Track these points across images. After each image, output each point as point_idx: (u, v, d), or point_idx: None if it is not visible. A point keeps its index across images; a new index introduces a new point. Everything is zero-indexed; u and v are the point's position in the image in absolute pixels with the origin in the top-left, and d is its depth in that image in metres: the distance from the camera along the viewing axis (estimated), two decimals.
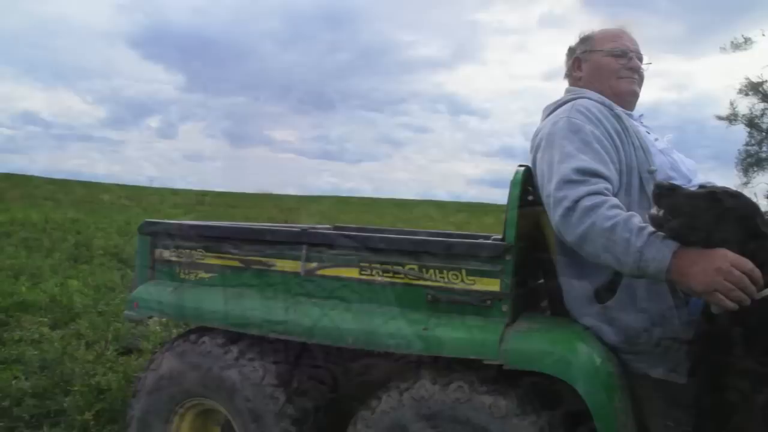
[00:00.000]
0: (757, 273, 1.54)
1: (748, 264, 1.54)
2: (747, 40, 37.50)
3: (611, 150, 1.91)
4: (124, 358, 3.75)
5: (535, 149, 2.02)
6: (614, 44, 2.19)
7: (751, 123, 37.83)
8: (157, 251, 2.38)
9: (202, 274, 2.29)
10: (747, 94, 37.79)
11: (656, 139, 2.09)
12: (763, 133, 37.96)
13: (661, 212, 1.63)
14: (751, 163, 38.09)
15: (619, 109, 2.06)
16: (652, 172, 1.92)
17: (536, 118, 2.27)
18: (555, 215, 1.81)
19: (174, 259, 2.35)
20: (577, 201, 1.75)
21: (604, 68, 2.18)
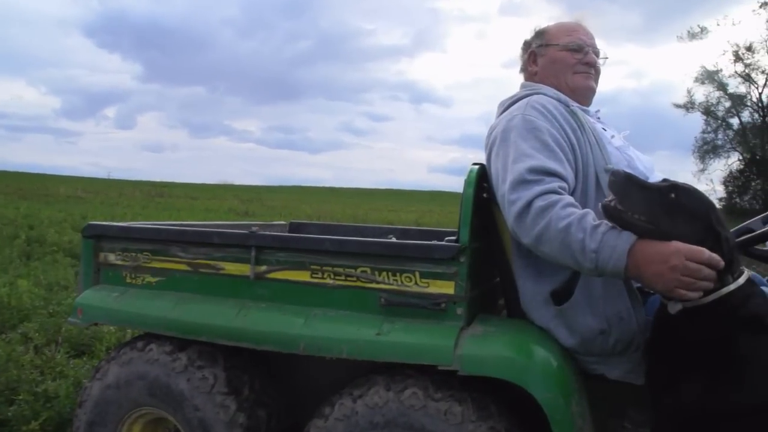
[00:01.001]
0: (715, 258, 1.52)
1: (703, 254, 1.52)
2: (703, 30, 38.27)
3: (567, 148, 1.88)
4: (76, 362, 3.64)
5: (490, 147, 1.97)
6: (570, 38, 2.15)
7: (707, 111, 38.62)
8: (102, 255, 2.29)
9: (149, 279, 2.21)
10: (703, 83, 38.55)
11: (612, 136, 2.06)
12: (719, 121, 38.78)
13: (613, 201, 1.61)
14: (707, 150, 38.92)
15: (575, 105, 2.02)
16: (608, 170, 1.88)
17: (497, 106, 2.22)
18: (510, 217, 1.77)
19: (119, 262, 2.26)
20: (530, 202, 1.71)
21: (559, 63, 2.14)
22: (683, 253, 1.52)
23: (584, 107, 2.12)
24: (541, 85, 2.12)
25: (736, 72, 37.38)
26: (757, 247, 2.08)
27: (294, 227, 3.47)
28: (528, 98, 1.99)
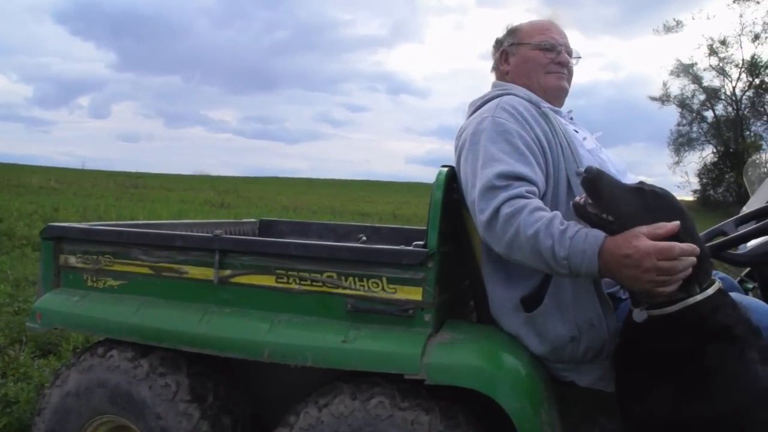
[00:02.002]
0: (687, 248, 1.50)
1: (673, 250, 1.49)
2: (678, 23, 38.65)
3: (537, 151, 1.84)
4: (41, 362, 3.56)
5: (459, 150, 1.93)
6: (542, 37, 2.11)
7: (683, 104, 39.02)
8: (62, 257, 2.22)
9: (111, 282, 2.15)
10: (678, 76, 38.96)
11: (585, 138, 2.02)
12: (694, 114, 39.19)
13: (583, 200, 1.60)
14: (682, 142, 39.37)
15: (546, 107, 1.98)
16: (579, 174, 1.84)
17: (475, 98, 2.17)
18: (480, 226, 1.73)
19: (80, 265, 2.19)
20: (497, 209, 1.68)
21: (531, 62, 2.10)
22: (654, 254, 1.48)
23: (556, 108, 2.08)
24: (512, 85, 2.08)
25: (710, 65, 37.81)
26: (729, 250, 2.07)
27: (264, 225, 3.41)
28: (498, 99, 1.94)
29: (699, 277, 1.57)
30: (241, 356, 1.86)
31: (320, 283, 1.87)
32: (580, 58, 2.17)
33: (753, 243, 2.09)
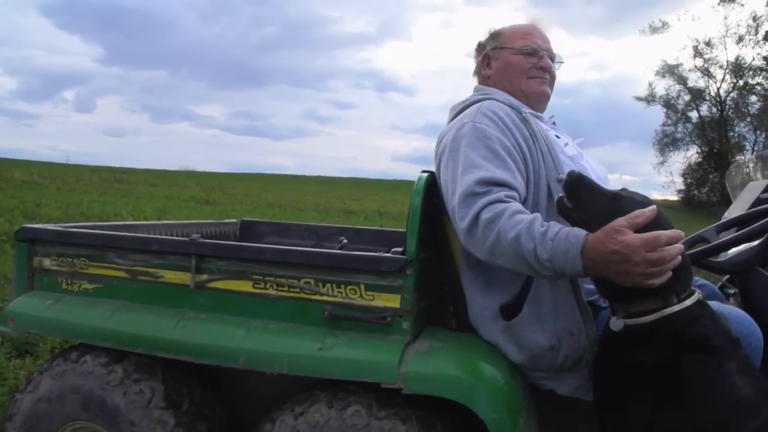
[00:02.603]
0: (674, 235, 1.48)
1: (660, 239, 1.46)
2: (664, 24, 38.95)
3: (518, 157, 1.82)
4: (17, 363, 3.50)
5: (439, 156, 1.91)
6: (525, 42, 2.09)
7: (668, 104, 39.29)
8: (36, 259, 2.18)
9: (86, 285, 2.11)
10: (664, 76, 39.23)
11: (566, 144, 2.01)
12: (679, 114, 39.47)
13: (565, 197, 1.62)
14: (667, 143, 39.67)
15: (527, 112, 1.96)
16: (561, 181, 1.83)
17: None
18: (461, 233, 1.71)
19: (55, 268, 2.15)
20: (477, 215, 1.66)
21: (513, 67, 2.08)
22: (641, 246, 1.46)
23: (538, 113, 2.06)
24: (493, 89, 2.07)
25: (695, 66, 38.09)
26: (711, 258, 2.06)
27: (245, 226, 3.38)
28: (479, 104, 1.92)
29: (677, 287, 1.56)
30: (217, 363, 1.83)
31: (297, 289, 1.84)
32: (562, 62, 2.15)
33: (734, 250, 2.08)
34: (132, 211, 13.74)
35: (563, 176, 1.83)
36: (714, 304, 1.73)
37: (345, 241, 2.86)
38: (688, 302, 1.56)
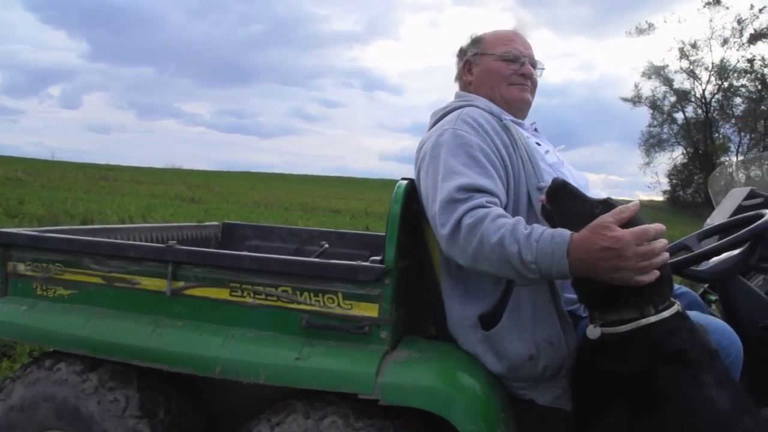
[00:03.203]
0: (659, 228, 1.50)
1: (649, 232, 1.47)
2: (650, 26, 39.21)
3: (498, 164, 1.81)
4: None
5: (419, 163, 1.89)
6: (506, 48, 2.08)
7: (654, 105, 39.54)
8: (11, 264, 2.14)
9: (61, 291, 2.08)
10: (650, 78, 39.49)
11: (547, 152, 1.99)
12: (665, 116, 39.72)
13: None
14: (653, 143, 39.95)
15: (508, 119, 1.95)
16: (541, 189, 1.82)
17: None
18: (442, 240, 1.69)
19: (30, 273, 2.12)
20: (459, 221, 1.64)
21: (494, 73, 2.06)
22: (633, 240, 1.46)
23: (519, 120, 2.05)
24: (474, 96, 2.05)
25: (681, 68, 38.34)
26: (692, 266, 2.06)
27: (227, 229, 3.35)
28: (459, 111, 1.91)
29: (654, 297, 1.55)
30: (193, 372, 1.81)
31: (275, 298, 1.82)
32: (544, 69, 2.14)
33: (715, 259, 2.08)
34: (117, 209, 13.65)
35: (543, 184, 1.82)
36: (694, 314, 1.73)
37: (326, 245, 2.84)
38: (666, 313, 1.56)
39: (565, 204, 1.64)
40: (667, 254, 1.52)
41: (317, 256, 2.73)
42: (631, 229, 1.48)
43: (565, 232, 1.54)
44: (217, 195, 24.24)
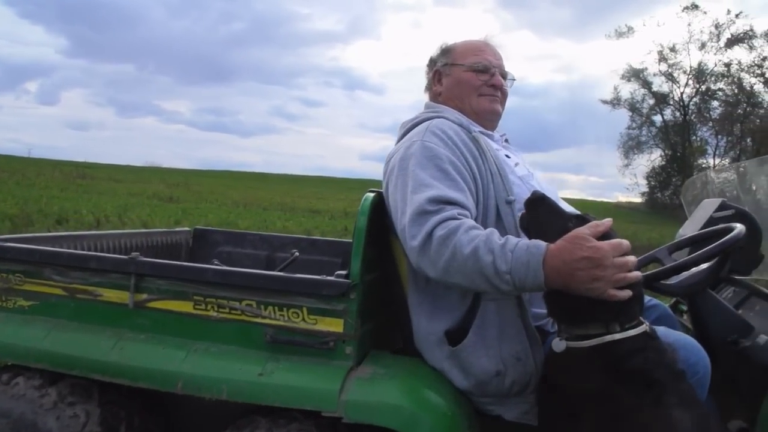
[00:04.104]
0: (628, 244, 1.51)
1: (623, 245, 1.50)
2: (630, 29, 39.54)
3: (468, 177, 1.79)
4: None
5: (388, 175, 1.86)
6: (476, 58, 2.06)
7: (633, 107, 39.89)
8: None
9: (22, 302, 2.02)
10: (629, 80, 39.80)
11: (516, 164, 1.98)
12: (643, 118, 40.07)
13: None
14: (631, 145, 40.29)
15: (477, 131, 1.93)
16: (510, 202, 1.80)
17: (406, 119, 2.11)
18: (412, 253, 1.66)
19: None
20: (430, 233, 1.62)
21: (464, 84, 2.04)
22: (611, 251, 1.47)
23: (488, 131, 2.03)
24: (443, 107, 2.03)
25: (660, 71, 38.65)
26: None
27: (198, 234, 3.30)
28: (428, 122, 1.89)
29: (621, 315, 1.54)
30: (155, 387, 1.77)
31: (239, 312, 1.79)
32: (514, 80, 2.13)
33: (685, 273, 2.07)
34: (93, 208, 13.52)
35: (513, 197, 1.81)
36: (662, 331, 1.72)
37: (297, 253, 2.81)
38: (632, 332, 1.54)
39: (542, 216, 1.64)
40: (639, 273, 1.51)
41: (287, 265, 2.70)
42: (608, 241, 1.49)
43: (541, 243, 1.53)
44: (196, 194, 24.09)
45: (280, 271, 2.68)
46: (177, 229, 3.31)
